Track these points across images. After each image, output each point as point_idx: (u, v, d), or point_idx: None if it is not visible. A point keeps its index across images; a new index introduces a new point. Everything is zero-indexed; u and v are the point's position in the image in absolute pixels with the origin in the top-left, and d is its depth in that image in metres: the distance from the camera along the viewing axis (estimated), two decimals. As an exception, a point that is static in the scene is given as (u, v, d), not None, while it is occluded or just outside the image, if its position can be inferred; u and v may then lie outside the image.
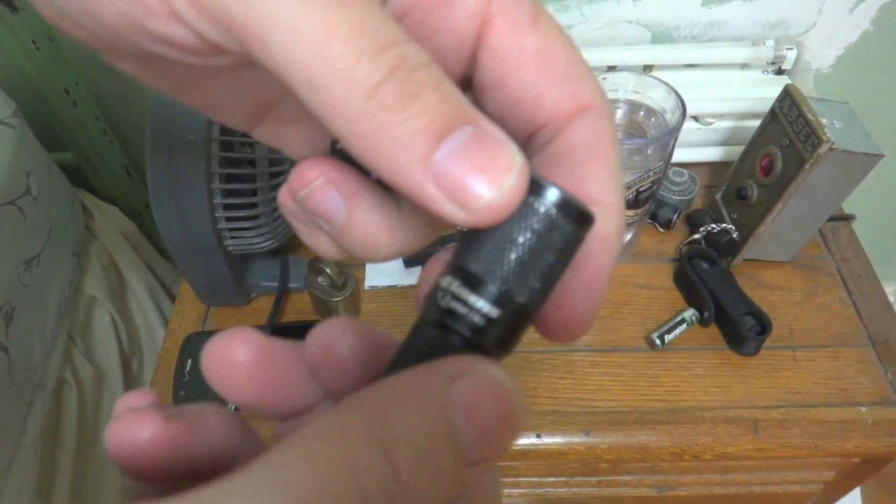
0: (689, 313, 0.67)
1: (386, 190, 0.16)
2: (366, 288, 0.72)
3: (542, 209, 0.14)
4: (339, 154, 0.16)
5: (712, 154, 0.82)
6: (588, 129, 0.16)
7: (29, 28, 0.80)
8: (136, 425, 0.15)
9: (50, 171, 0.83)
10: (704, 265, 0.71)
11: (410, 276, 0.73)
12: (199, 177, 0.57)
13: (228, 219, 0.60)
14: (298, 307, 0.71)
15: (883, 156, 0.61)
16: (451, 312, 0.15)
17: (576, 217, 0.15)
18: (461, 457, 0.13)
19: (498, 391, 0.14)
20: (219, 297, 0.70)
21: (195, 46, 0.14)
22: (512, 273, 0.15)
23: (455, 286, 0.15)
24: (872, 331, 0.68)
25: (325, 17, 0.12)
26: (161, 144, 0.56)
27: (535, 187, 0.14)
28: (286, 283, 0.71)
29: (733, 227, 0.71)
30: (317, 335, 0.17)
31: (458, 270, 0.15)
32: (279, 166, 0.62)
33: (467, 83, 0.17)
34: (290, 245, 0.73)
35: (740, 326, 0.65)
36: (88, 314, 0.89)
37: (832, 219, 0.76)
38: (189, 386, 0.64)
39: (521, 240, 0.14)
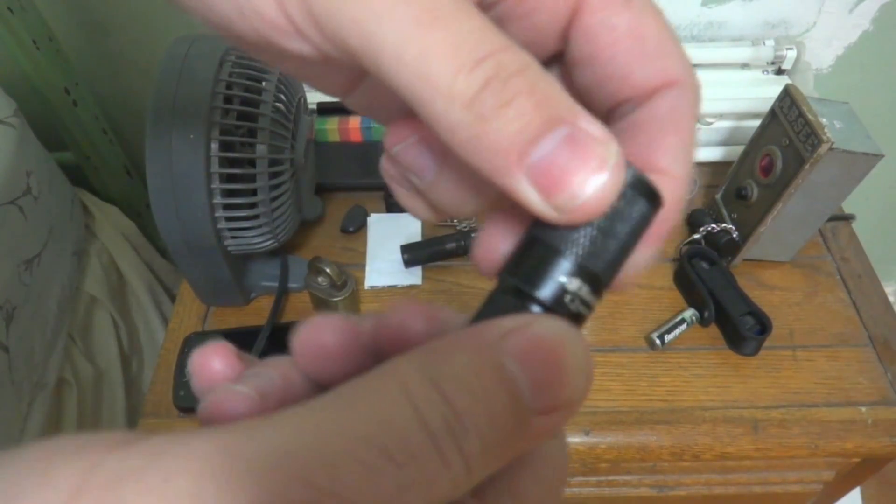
0: (689, 313, 0.67)
1: None
2: (366, 288, 0.72)
3: (629, 195, 0.15)
4: None
5: (712, 154, 0.82)
6: (669, 103, 0.17)
7: (29, 28, 0.80)
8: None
9: (50, 171, 0.83)
10: (704, 265, 0.71)
11: (410, 276, 0.73)
12: (199, 177, 0.57)
13: (228, 219, 0.60)
14: (298, 307, 0.71)
15: (883, 156, 0.61)
16: (578, 315, 0.16)
17: (653, 200, 0.15)
18: (519, 402, 0.13)
19: (554, 342, 0.14)
20: (219, 297, 0.70)
21: (315, 58, 0.16)
22: (590, 246, 0.15)
23: (585, 292, 0.16)
24: (872, 331, 0.68)
25: (424, 41, 0.13)
26: (161, 144, 0.56)
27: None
28: (286, 283, 0.71)
29: (733, 227, 0.71)
30: (303, 330, 0.18)
31: (585, 274, 0.15)
32: (279, 166, 0.62)
33: (559, 58, 0.18)
34: (290, 245, 0.73)
35: (740, 326, 0.65)
36: (88, 314, 0.89)
37: (832, 219, 0.76)
38: (189, 386, 0.63)
39: (611, 226, 0.15)
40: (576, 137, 0.14)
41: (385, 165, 0.18)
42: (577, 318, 0.16)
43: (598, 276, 0.16)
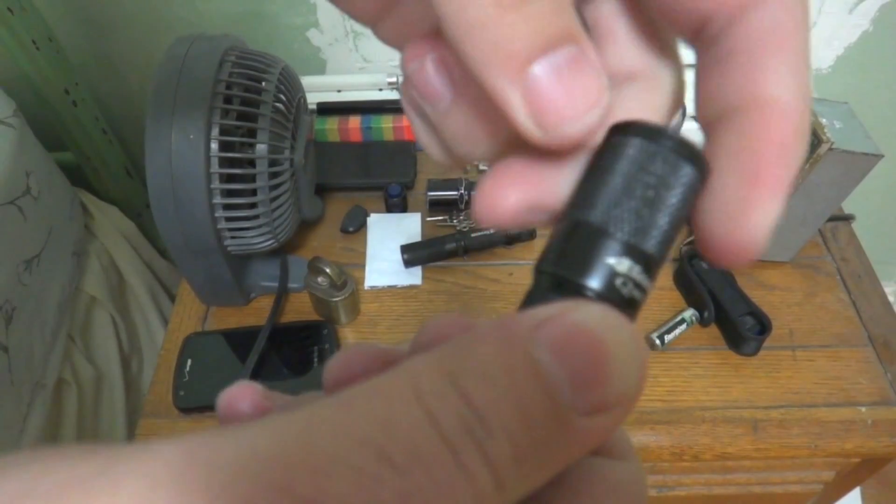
0: (689, 313, 0.67)
1: None
2: (365, 288, 0.72)
3: (664, 155, 0.14)
4: None
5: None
6: (766, 17, 0.13)
7: (29, 28, 0.80)
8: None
9: (50, 171, 0.83)
10: (704, 265, 0.71)
11: (410, 276, 0.73)
12: (199, 177, 0.57)
13: (228, 219, 0.60)
14: (298, 307, 0.71)
15: (882, 156, 0.61)
16: (632, 301, 0.14)
17: (698, 163, 0.14)
18: (557, 400, 0.11)
19: (596, 330, 0.12)
20: (219, 297, 0.70)
21: None
22: (637, 223, 0.14)
23: (637, 273, 0.14)
24: (872, 331, 0.68)
25: None
26: (161, 145, 0.56)
27: (652, 133, 0.14)
28: (286, 283, 0.71)
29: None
30: (334, 362, 0.17)
31: (636, 253, 0.14)
32: (279, 166, 0.62)
33: None
34: (290, 245, 0.73)
35: (740, 326, 0.65)
36: (88, 314, 0.89)
37: (832, 219, 0.76)
38: (189, 386, 0.64)
39: (643, 190, 0.14)
40: (581, 61, 0.13)
41: (402, 90, 0.17)
42: (630, 305, 0.14)
43: (649, 255, 0.14)
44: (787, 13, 0.14)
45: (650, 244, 0.14)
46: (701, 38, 0.15)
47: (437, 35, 0.15)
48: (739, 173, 0.14)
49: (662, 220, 0.14)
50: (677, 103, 0.17)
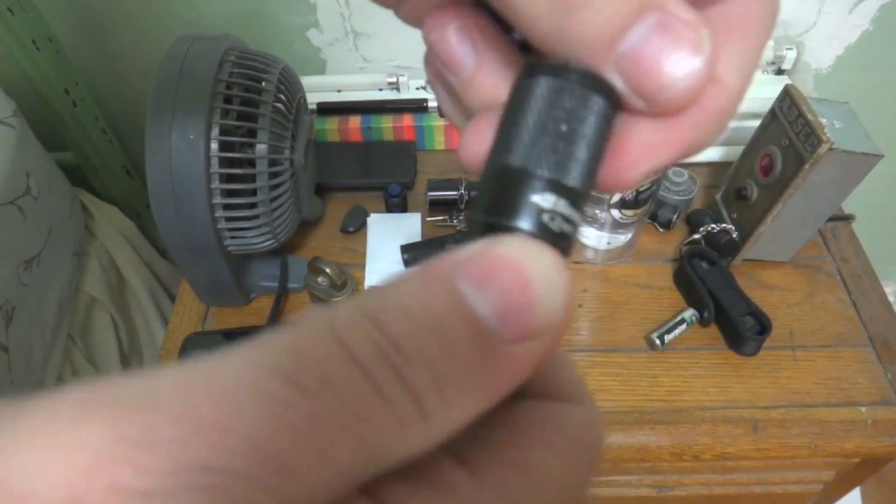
0: (689, 313, 0.67)
1: (522, 52, 0.16)
2: (365, 288, 0.72)
3: (570, 88, 0.14)
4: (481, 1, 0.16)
5: (712, 154, 0.82)
6: (740, 7, 0.15)
7: (29, 28, 0.80)
8: None
9: (50, 171, 0.83)
10: (704, 265, 0.71)
11: (410, 276, 0.73)
12: (199, 177, 0.57)
13: (228, 219, 0.60)
14: (298, 307, 0.71)
15: (883, 156, 0.61)
16: (563, 235, 0.14)
17: (607, 93, 0.14)
18: (479, 328, 0.11)
19: (517, 258, 0.12)
20: (219, 297, 0.70)
21: None
22: (556, 158, 0.14)
23: (563, 207, 0.14)
24: (872, 331, 0.68)
25: None
26: (161, 144, 0.56)
27: (564, 70, 0.14)
28: (286, 283, 0.71)
29: (733, 227, 0.71)
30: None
31: (559, 188, 0.14)
32: (279, 166, 0.62)
33: None
34: (290, 245, 0.73)
35: (740, 326, 0.65)
36: (88, 314, 0.89)
37: (832, 219, 0.76)
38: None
39: (555, 126, 0.14)
40: (667, 23, 0.13)
41: (426, 61, 0.17)
42: (562, 239, 0.14)
43: (572, 188, 0.14)
44: (758, 9, 0.15)
45: (572, 177, 0.14)
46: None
47: (457, 3, 0.15)
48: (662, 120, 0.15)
49: (580, 152, 0.14)
50: (769, 26, 0.17)
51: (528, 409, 0.14)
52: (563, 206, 0.14)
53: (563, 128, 0.14)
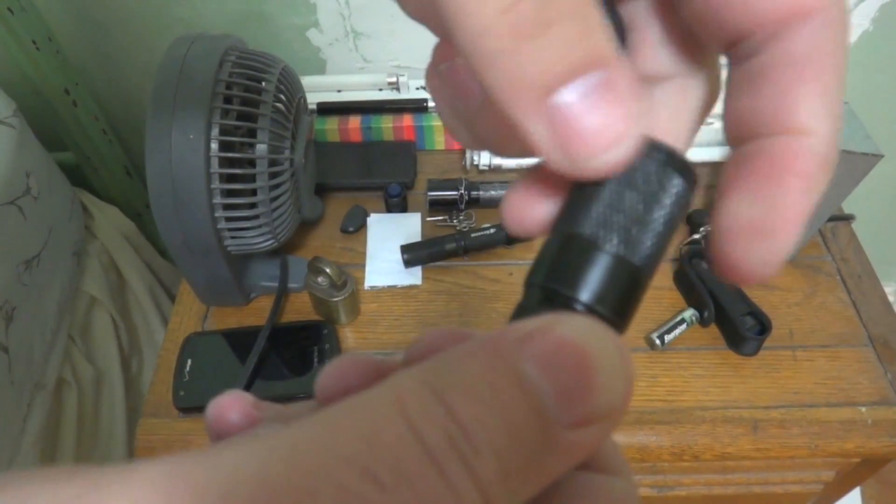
0: (689, 313, 0.68)
1: None
2: (365, 288, 0.72)
3: (653, 168, 0.14)
4: None
5: (712, 154, 0.82)
6: (806, 39, 0.13)
7: (29, 28, 0.80)
8: None
9: (50, 171, 0.83)
10: (704, 265, 0.71)
11: (410, 276, 0.73)
12: (199, 177, 0.57)
13: (228, 219, 0.60)
14: (298, 307, 0.71)
15: (882, 156, 0.61)
16: (621, 312, 0.14)
17: (683, 172, 0.14)
18: (543, 413, 0.11)
19: (581, 343, 0.12)
20: (219, 297, 0.70)
21: None
22: (627, 235, 0.14)
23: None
24: (872, 331, 0.68)
25: None
26: (161, 144, 0.56)
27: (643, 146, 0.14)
28: (286, 283, 0.71)
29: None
30: (326, 373, 0.17)
31: (626, 265, 0.14)
32: (279, 166, 0.62)
33: None
34: (290, 245, 0.73)
35: (740, 326, 0.65)
36: (88, 314, 0.89)
37: (832, 219, 0.76)
38: (189, 386, 0.64)
39: (632, 203, 0.14)
40: (610, 87, 0.12)
41: (430, 81, 0.16)
42: (621, 317, 0.14)
43: (639, 267, 0.14)
44: (828, 34, 0.13)
45: (639, 256, 0.14)
46: (736, 51, 0.14)
47: None
48: (761, 199, 0.14)
49: (652, 232, 0.14)
50: (708, 108, 0.17)
51: (573, 478, 0.14)
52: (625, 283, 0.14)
53: (640, 206, 0.14)
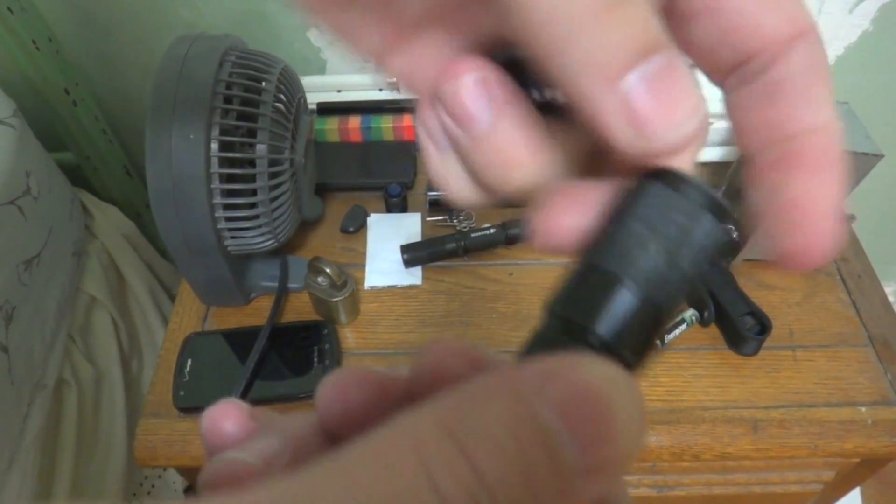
0: (689, 313, 0.67)
1: (539, 111, 0.16)
2: (365, 288, 0.72)
3: (685, 205, 0.14)
4: (497, 60, 0.15)
5: (712, 154, 0.82)
6: (806, 55, 0.15)
7: (29, 28, 0.80)
8: None
9: (50, 171, 0.83)
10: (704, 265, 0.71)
11: (410, 277, 0.73)
12: (199, 177, 0.57)
13: (228, 219, 0.60)
14: (298, 307, 0.71)
15: (882, 156, 0.61)
16: (636, 350, 0.14)
17: (722, 216, 0.14)
18: (560, 462, 0.11)
19: (603, 390, 0.12)
20: (219, 297, 0.70)
21: None
22: (654, 275, 0.14)
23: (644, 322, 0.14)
24: (872, 331, 0.68)
25: None
26: (161, 145, 0.56)
27: (686, 187, 0.14)
28: (286, 283, 0.71)
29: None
30: (326, 387, 0.16)
31: (648, 304, 0.14)
32: (279, 166, 0.62)
33: (667, 11, 0.16)
34: (290, 245, 0.73)
35: (740, 326, 0.65)
36: (88, 314, 0.89)
37: (832, 219, 0.75)
38: (189, 386, 0.64)
39: (663, 241, 0.14)
40: (675, 70, 0.13)
41: (423, 116, 0.16)
42: (636, 354, 0.14)
43: (661, 307, 0.13)
44: (819, 48, 0.15)
45: (663, 296, 0.14)
46: (739, 74, 0.15)
47: (471, 54, 0.15)
48: (802, 189, 0.15)
49: (678, 273, 0.14)
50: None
51: None
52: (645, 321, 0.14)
53: (670, 245, 0.14)
